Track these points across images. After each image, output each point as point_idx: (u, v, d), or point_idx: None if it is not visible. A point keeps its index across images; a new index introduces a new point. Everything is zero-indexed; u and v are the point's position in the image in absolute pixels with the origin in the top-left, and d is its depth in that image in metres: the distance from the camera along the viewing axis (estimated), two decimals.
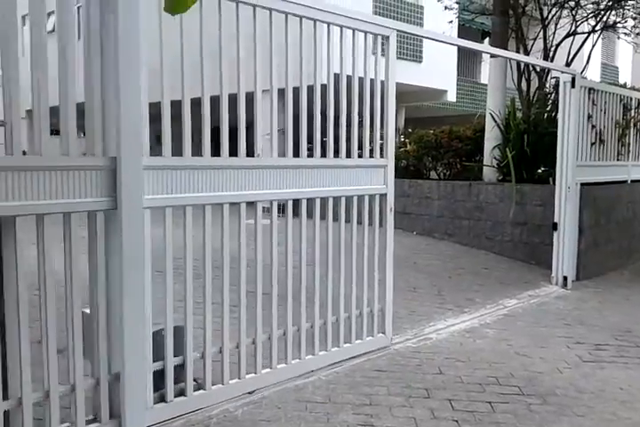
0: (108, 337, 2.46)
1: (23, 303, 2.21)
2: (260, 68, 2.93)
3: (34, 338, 2.28)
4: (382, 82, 3.58)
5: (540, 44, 8.14)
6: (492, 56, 6.76)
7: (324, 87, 3.23)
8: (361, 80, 3.47)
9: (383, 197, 3.62)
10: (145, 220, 2.50)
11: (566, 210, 5.59)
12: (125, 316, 2.43)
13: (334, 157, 3.36)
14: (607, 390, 3.19)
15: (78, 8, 2.77)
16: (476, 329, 4.23)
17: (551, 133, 6.01)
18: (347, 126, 3.36)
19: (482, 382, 3.24)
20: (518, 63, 7.86)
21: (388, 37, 3.55)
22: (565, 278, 5.62)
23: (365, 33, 3.44)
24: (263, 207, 3.00)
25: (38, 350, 2.29)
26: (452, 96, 14.98)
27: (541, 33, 8.14)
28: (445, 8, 9.43)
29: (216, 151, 2.80)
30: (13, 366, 2.21)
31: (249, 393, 2.96)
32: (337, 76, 3.23)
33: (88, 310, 2.45)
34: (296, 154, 3.17)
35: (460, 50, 12.35)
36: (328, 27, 3.24)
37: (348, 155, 3.45)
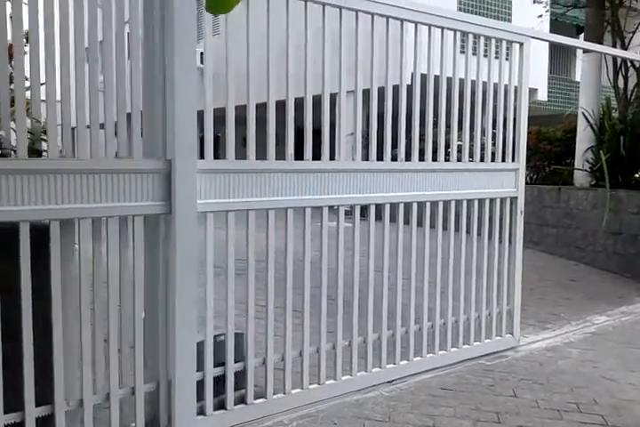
0: (165, 342, 2.45)
1: (85, 305, 2.25)
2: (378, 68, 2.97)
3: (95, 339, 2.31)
4: (515, 87, 3.71)
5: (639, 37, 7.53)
6: (585, 51, 6.33)
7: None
8: (495, 85, 3.62)
9: (514, 199, 3.73)
10: (207, 223, 2.48)
11: None
12: (178, 322, 2.41)
13: (469, 160, 3.54)
14: None
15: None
16: (558, 348, 3.92)
17: None
18: (481, 132, 3.59)
19: (560, 408, 2.98)
20: (615, 59, 7.31)
21: (522, 44, 3.65)
22: None
23: (500, 40, 3.57)
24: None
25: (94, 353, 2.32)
26: (542, 95, 14.25)
27: None
28: (535, 1, 8.92)
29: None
30: (72, 367, 2.24)
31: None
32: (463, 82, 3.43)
33: (143, 314, 2.45)
34: (434, 159, 3.36)
35: (553, 46, 11.72)
36: (464, 35, 3.40)
37: (482, 159, 3.61)
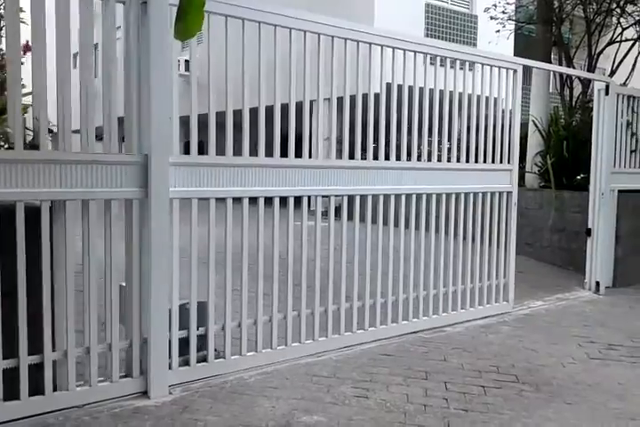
0: (139, 307, 2.91)
1: (70, 275, 2.71)
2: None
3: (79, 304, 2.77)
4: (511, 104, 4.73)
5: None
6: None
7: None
8: (495, 101, 4.60)
9: (510, 194, 4.68)
10: (173, 208, 2.96)
11: (600, 216, 5.65)
12: (153, 290, 2.88)
13: (475, 162, 4.48)
14: (604, 383, 3.33)
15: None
16: (492, 325, 4.42)
17: (591, 140, 6.07)
18: (484, 140, 4.55)
19: (481, 369, 3.47)
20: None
21: (515, 71, 4.65)
22: (598, 284, 5.67)
23: (499, 68, 4.57)
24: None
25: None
26: None
27: (585, 40, 8.14)
28: (491, 18, 9.56)
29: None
30: (60, 325, 2.70)
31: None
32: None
33: (124, 284, 2.91)
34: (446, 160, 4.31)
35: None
36: (479, 66, 4.47)
37: (484, 160, 4.54)
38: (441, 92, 4.21)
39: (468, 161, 4.44)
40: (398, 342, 3.92)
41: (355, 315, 3.82)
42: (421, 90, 4.11)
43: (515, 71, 4.64)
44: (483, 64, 4.45)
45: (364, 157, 3.81)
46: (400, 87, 3.96)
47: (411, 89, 4.03)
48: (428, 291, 4.25)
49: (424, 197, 4.12)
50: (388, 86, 3.85)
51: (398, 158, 3.99)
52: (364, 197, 3.79)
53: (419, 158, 4.16)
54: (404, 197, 4.03)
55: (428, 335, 4.10)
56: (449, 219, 4.36)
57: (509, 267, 4.80)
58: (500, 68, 4.56)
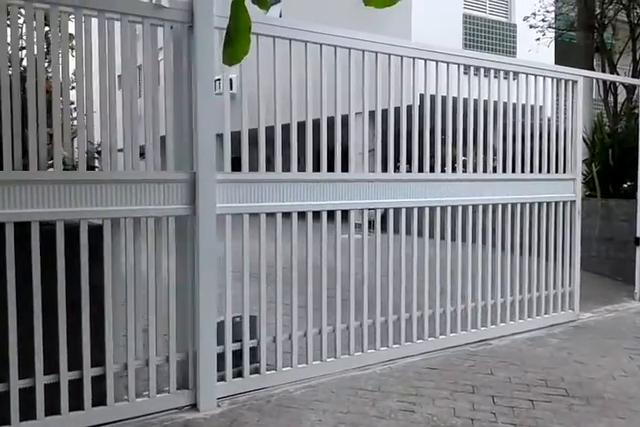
0: (192, 322, 3.02)
1: (130, 291, 2.84)
2: None
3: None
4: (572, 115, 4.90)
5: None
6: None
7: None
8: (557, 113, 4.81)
9: (573, 202, 4.85)
10: (226, 224, 3.08)
11: None
12: (201, 304, 2.98)
13: (539, 172, 4.63)
14: None
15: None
16: (540, 338, 4.38)
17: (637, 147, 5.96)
18: (547, 150, 4.68)
19: (530, 383, 3.45)
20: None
21: (576, 82, 4.84)
22: None
23: (558, 79, 4.75)
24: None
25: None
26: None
27: (630, 46, 7.99)
28: (531, 27, 9.47)
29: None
30: (117, 339, 2.82)
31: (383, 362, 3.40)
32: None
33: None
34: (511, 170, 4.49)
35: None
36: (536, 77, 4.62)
37: (548, 171, 4.69)
38: (513, 105, 4.44)
39: (532, 171, 4.58)
40: (443, 355, 3.93)
41: (404, 326, 3.86)
42: (485, 102, 4.30)
43: (575, 82, 4.82)
44: (544, 76, 4.64)
45: (431, 170, 3.98)
46: (466, 100, 4.12)
47: (476, 102, 4.21)
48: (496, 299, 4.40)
49: (499, 208, 4.37)
50: (455, 100, 4.08)
51: (484, 171, 4.28)
52: (433, 209, 4.00)
53: (494, 170, 4.39)
54: (484, 208, 4.30)
55: (473, 349, 4.09)
56: (515, 228, 4.51)
57: (575, 275, 4.95)
58: (560, 79, 4.76)
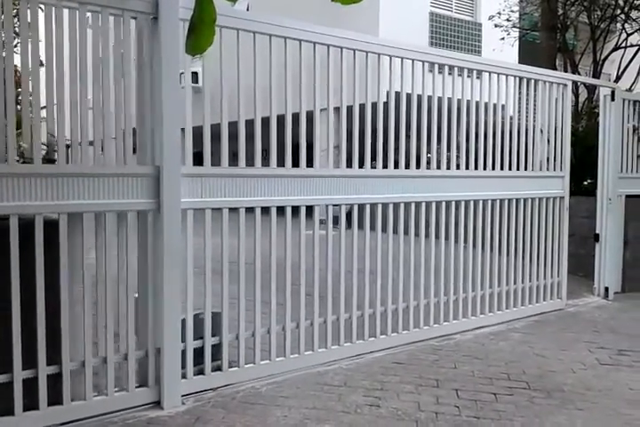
0: (153, 318, 2.96)
1: (87, 287, 2.76)
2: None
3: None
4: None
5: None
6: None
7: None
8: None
9: (562, 198, 5.15)
10: (187, 219, 3.01)
11: (608, 221, 5.67)
12: (165, 300, 2.92)
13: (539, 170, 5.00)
14: (616, 389, 3.34)
15: None
16: (502, 332, 4.44)
17: (598, 146, 6.09)
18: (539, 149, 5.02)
19: (493, 376, 3.49)
20: None
21: (566, 85, 5.16)
22: (607, 289, 5.68)
23: (551, 83, 5.02)
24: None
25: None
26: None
27: (590, 46, 8.18)
28: (496, 26, 9.61)
29: None
30: (76, 335, 2.75)
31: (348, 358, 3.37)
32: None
33: (136, 295, 2.95)
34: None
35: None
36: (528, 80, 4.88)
37: (540, 168, 5.02)
38: (503, 106, 4.73)
39: (526, 169, 4.85)
40: (408, 349, 3.95)
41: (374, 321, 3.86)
42: (477, 103, 4.50)
43: (565, 86, 5.13)
44: (537, 80, 4.89)
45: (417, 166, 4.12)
46: (459, 101, 4.34)
47: (468, 102, 4.44)
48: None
49: (496, 202, 4.66)
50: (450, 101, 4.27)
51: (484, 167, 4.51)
52: (418, 204, 4.11)
53: (493, 167, 4.59)
54: (486, 203, 4.57)
55: (438, 343, 4.12)
56: (510, 222, 4.77)
57: (562, 266, 5.24)
58: (551, 83, 5.01)
